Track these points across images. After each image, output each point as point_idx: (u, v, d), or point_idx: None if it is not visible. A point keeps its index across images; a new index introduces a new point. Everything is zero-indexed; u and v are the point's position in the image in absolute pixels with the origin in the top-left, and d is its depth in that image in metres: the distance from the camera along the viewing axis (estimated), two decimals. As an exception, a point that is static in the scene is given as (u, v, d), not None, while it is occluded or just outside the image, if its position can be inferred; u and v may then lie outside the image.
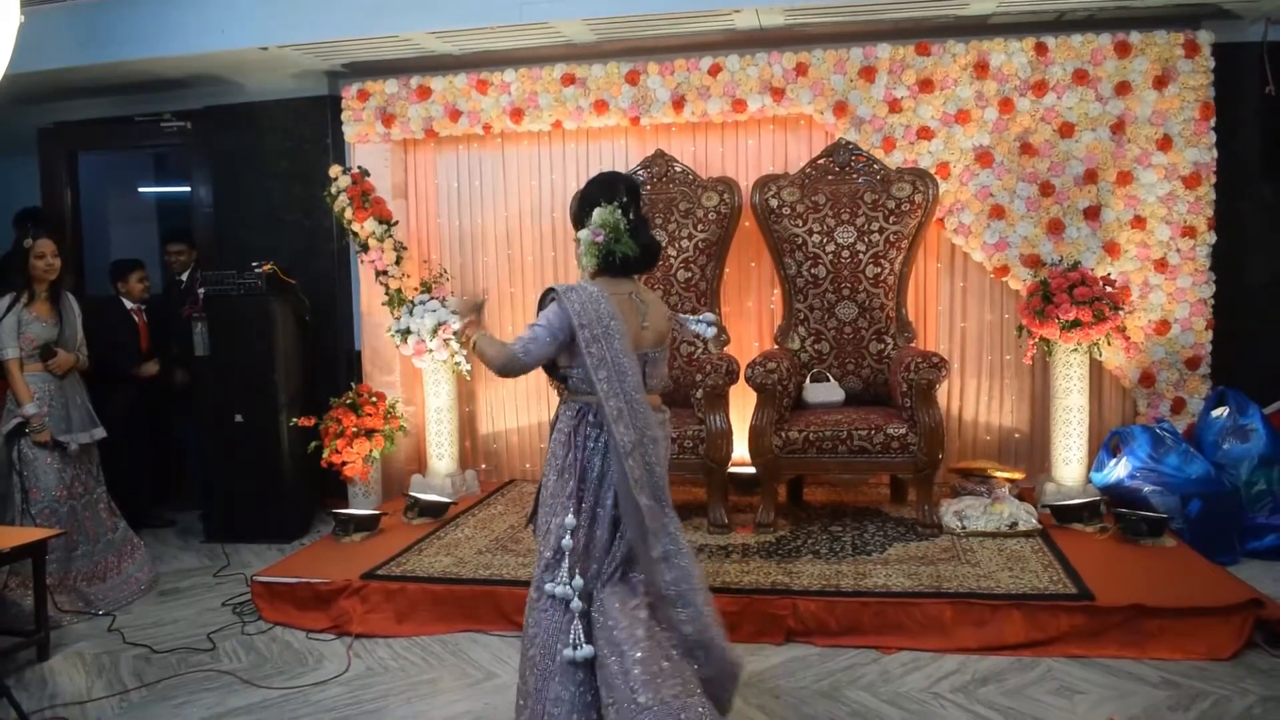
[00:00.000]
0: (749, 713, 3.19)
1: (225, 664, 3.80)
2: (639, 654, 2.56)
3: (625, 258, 2.82)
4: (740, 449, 4.81)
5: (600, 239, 2.80)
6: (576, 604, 2.68)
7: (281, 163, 5.93)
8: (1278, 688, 3.21)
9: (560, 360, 2.82)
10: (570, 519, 2.73)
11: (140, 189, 7.65)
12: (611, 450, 2.71)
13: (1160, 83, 4.90)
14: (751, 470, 4.82)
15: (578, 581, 2.69)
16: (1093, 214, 5.00)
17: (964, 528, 4.44)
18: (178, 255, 6.02)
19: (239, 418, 5.33)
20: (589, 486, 2.77)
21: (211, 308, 5.35)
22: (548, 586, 2.70)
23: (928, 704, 3.21)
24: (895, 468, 4.60)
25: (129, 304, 5.68)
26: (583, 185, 3.00)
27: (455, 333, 2.73)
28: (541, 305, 2.82)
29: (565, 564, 2.71)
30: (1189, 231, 4.93)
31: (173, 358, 5.73)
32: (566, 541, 2.71)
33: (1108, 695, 3.22)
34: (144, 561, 4.77)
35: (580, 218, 2.92)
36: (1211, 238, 4.93)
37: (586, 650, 2.63)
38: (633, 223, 2.85)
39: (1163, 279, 4.97)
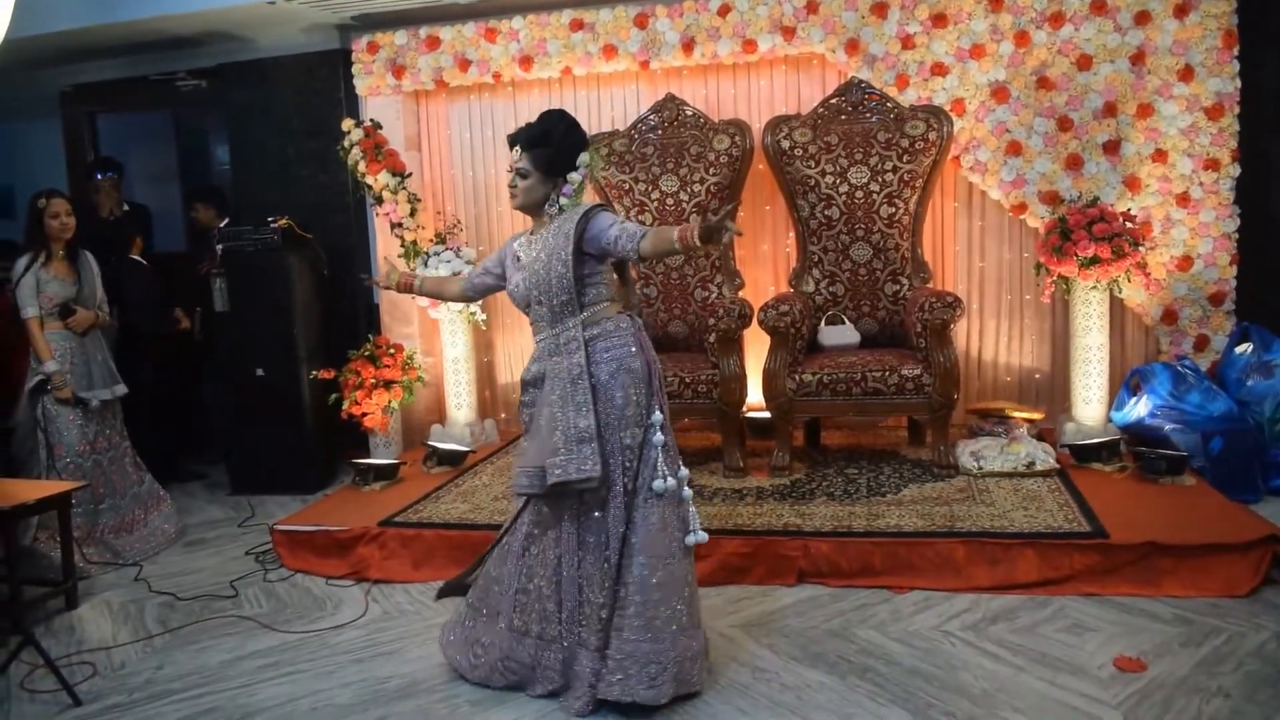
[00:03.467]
0: (757, 650, 3.21)
1: (246, 610, 3.88)
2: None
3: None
4: (755, 394, 4.80)
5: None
6: (688, 492, 2.95)
7: (295, 118, 5.93)
8: (1293, 622, 3.19)
9: (586, 268, 2.93)
10: (658, 414, 2.93)
11: (161, 148, 7.69)
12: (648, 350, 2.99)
13: (1181, 11, 4.75)
14: (767, 414, 4.81)
15: (683, 472, 2.94)
16: (1112, 148, 4.89)
17: (980, 468, 4.42)
18: (199, 211, 6.07)
19: (260, 372, 5.40)
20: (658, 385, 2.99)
21: (229, 264, 5.39)
22: (655, 484, 2.87)
23: (937, 642, 3.22)
24: (910, 409, 4.57)
25: (140, 260, 5.72)
26: (554, 121, 3.00)
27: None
28: (587, 216, 2.92)
29: (663, 460, 2.89)
30: (1212, 164, 4.81)
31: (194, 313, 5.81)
32: (658, 438, 2.90)
33: (1119, 632, 3.20)
34: (170, 514, 4.86)
35: (569, 157, 2.99)
36: (1235, 170, 4.81)
37: (702, 535, 2.94)
38: None
39: (1185, 214, 4.87)
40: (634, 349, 2.95)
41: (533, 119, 3.07)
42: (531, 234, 3.07)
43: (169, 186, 7.40)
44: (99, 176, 5.95)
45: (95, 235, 5.29)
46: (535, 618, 2.98)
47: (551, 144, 2.95)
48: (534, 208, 3.02)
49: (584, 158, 2.92)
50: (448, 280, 3.54)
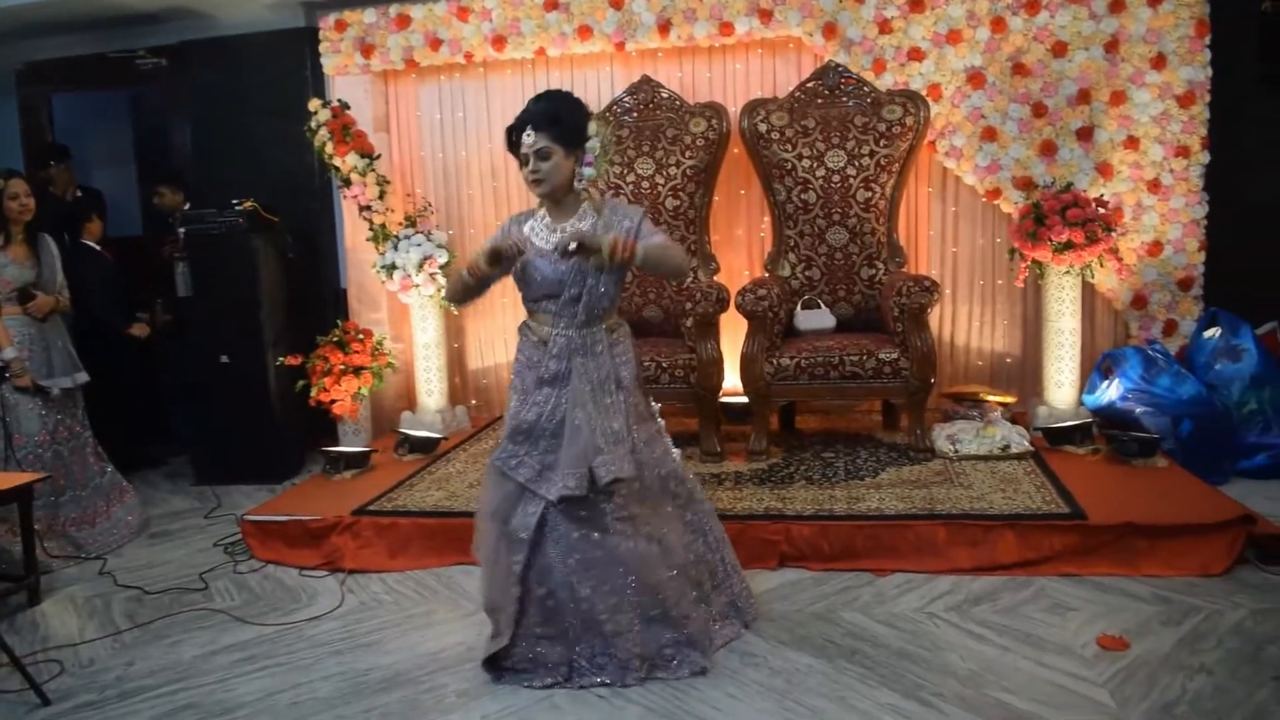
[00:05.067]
0: (743, 635, 3.19)
1: (218, 603, 3.79)
2: None
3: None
4: (731, 378, 4.78)
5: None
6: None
7: (260, 98, 5.79)
8: (1268, 601, 3.23)
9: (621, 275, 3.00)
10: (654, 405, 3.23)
11: (117, 128, 7.48)
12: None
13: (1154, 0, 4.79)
14: (742, 399, 4.81)
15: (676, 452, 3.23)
16: (1085, 135, 4.92)
17: (956, 451, 4.44)
18: (162, 196, 5.93)
19: (225, 359, 5.27)
20: None
21: (193, 248, 5.25)
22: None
23: (922, 624, 3.22)
24: (887, 393, 4.58)
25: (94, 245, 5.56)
26: (557, 96, 2.97)
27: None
28: (642, 222, 2.96)
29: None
30: (1182, 151, 4.87)
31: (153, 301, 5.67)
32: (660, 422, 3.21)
33: (1100, 612, 3.23)
34: (133, 505, 4.73)
35: (581, 127, 2.91)
36: (1205, 158, 4.86)
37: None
38: None
39: (1156, 200, 4.92)
40: (634, 350, 3.06)
41: (505, 101, 3.02)
42: (554, 222, 2.96)
43: (125, 169, 7.20)
44: (51, 165, 5.80)
45: (47, 215, 5.15)
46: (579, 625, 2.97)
47: (562, 118, 2.88)
48: (562, 189, 2.91)
49: (594, 126, 2.86)
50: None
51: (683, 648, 2.97)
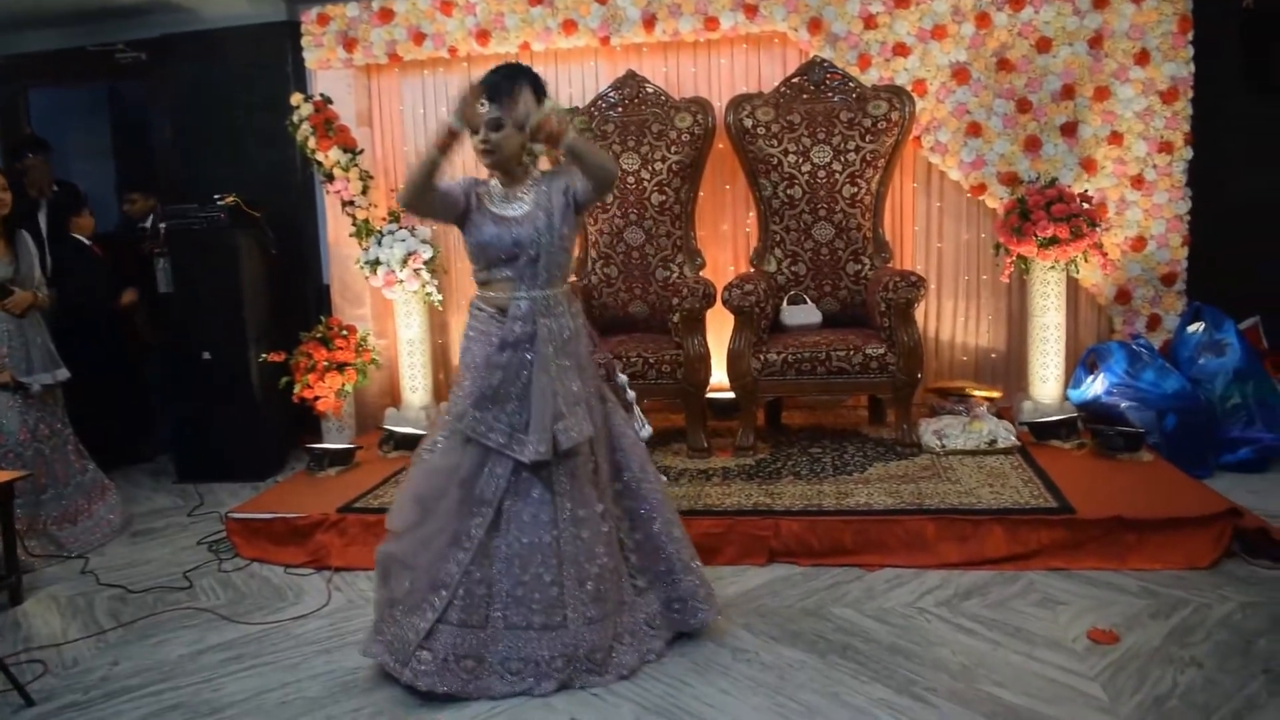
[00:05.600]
0: (734, 631, 3.18)
1: (203, 601, 3.75)
2: None
3: None
4: (717, 374, 4.77)
5: None
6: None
7: (241, 92, 5.74)
8: (1256, 594, 3.25)
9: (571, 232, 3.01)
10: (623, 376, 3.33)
11: (95, 123, 7.39)
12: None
13: (1138, -5, 4.82)
14: (728, 395, 4.80)
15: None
16: (1070, 130, 4.94)
17: (943, 446, 4.45)
18: (134, 203, 5.88)
19: (206, 355, 5.22)
20: None
21: (174, 243, 5.19)
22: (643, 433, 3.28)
23: (913, 619, 3.22)
24: (874, 388, 4.59)
25: (82, 239, 5.50)
26: (515, 69, 2.93)
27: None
28: (571, 175, 2.95)
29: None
30: (1166, 147, 4.89)
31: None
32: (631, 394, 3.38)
33: (1089, 605, 3.24)
34: (115, 503, 4.67)
35: (536, 103, 2.89)
36: (1188, 153, 4.89)
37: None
38: None
39: (1139, 195, 4.94)
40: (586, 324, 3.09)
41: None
42: (506, 190, 2.96)
43: (103, 164, 7.12)
44: (28, 156, 5.71)
45: (29, 212, 5.08)
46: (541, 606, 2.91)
47: (517, 95, 2.86)
48: (511, 160, 2.91)
49: (549, 103, 2.85)
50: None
51: (616, 648, 2.94)
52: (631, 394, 3.23)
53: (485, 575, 2.89)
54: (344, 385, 5.20)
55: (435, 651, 2.85)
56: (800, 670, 2.92)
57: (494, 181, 3.01)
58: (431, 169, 2.79)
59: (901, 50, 5.01)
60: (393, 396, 5.76)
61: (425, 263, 5.16)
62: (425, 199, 2.86)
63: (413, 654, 2.86)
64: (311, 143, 5.25)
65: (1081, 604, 3.26)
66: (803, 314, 4.89)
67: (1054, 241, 4.55)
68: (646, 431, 3.23)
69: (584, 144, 2.87)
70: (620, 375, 3.18)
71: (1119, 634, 3.01)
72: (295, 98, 5.27)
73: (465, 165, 5.06)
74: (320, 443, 5.12)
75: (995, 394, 4.98)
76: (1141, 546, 3.53)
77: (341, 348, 5.20)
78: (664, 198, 5.07)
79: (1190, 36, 4.81)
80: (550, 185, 2.95)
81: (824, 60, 5.02)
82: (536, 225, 2.89)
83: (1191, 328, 4.73)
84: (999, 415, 4.75)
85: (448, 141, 2.77)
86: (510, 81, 2.85)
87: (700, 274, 5.01)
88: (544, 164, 3.10)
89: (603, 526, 2.97)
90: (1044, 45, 4.91)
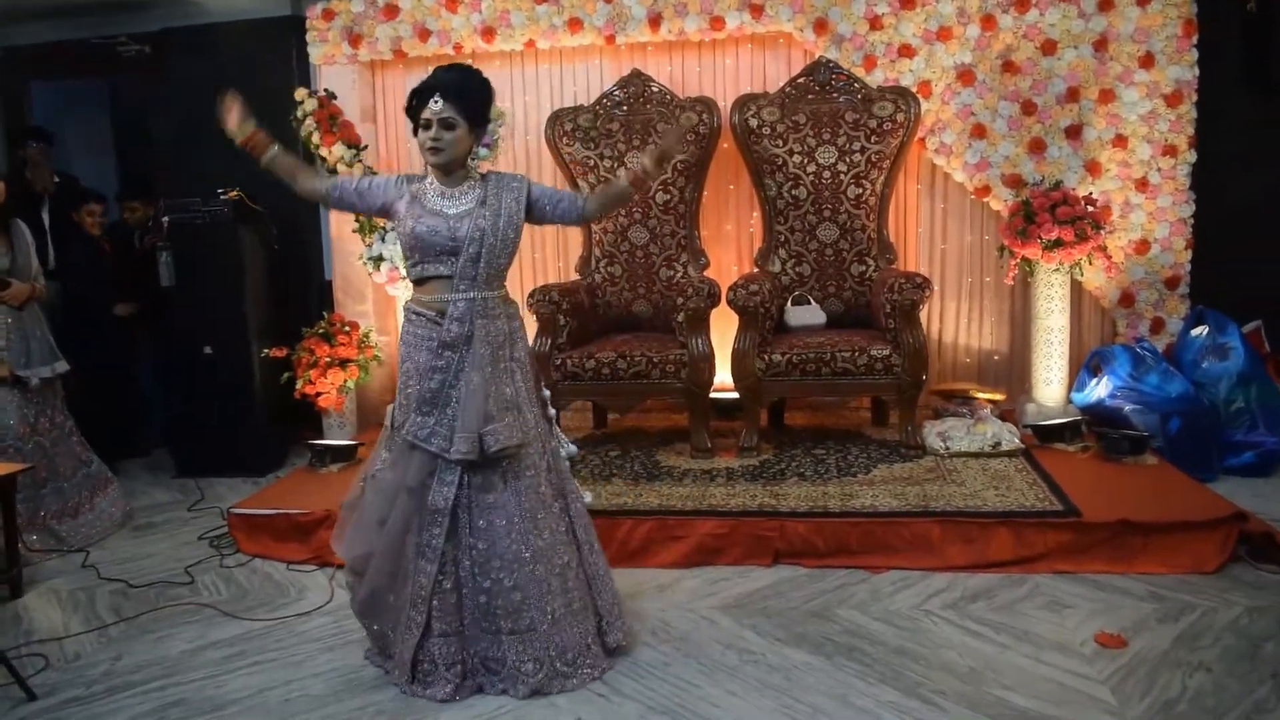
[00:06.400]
0: (739, 632, 3.18)
1: (205, 597, 3.73)
2: None
3: None
4: (721, 374, 4.76)
5: None
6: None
7: (244, 86, 5.58)
8: (1262, 598, 3.25)
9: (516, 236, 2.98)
10: (546, 391, 3.18)
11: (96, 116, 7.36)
12: None
13: (1143, -1, 4.82)
14: (730, 395, 4.78)
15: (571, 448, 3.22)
16: (1074, 133, 4.94)
17: (948, 448, 4.44)
18: (134, 211, 5.86)
19: (208, 350, 5.20)
20: None
21: (176, 237, 5.17)
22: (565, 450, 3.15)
23: (920, 621, 3.22)
24: (879, 389, 4.58)
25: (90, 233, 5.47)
26: (467, 71, 2.93)
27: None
28: (527, 182, 3.00)
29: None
30: (1170, 150, 4.90)
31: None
32: (552, 411, 3.17)
33: (1097, 609, 3.24)
34: (116, 497, 4.66)
35: (486, 107, 2.93)
36: (1192, 157, 4.90)
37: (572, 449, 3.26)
38: None
39: (1143, 198, 4.95)
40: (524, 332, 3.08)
41: (495, 93, 2.97)
42: (444, 188, 2.90)
43: (104, 157, 7.08)
44: (30, 145, 5.67)
45: (32, 206, 5.07)
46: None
47: (470, 93, 2.85)
48: (458, 162, 2.89)
49: (495, 110, 2.86)
50: (309, 171, 3.14)
51: (587, 645, 2.94)
52: (553, 411, 3.16)
53: (454, 582, 2.88)
54: (346, 381, 5.18)
55: (427, 661, 2.88)
56: (807, 672, 2.91)
57: (429, 178, 2.95)
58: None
59: (907, 52, 5.00)
60: (393, 393, 5.71)
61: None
62: (311, 196, 3.03)
63: (409, 669, 2.90)
64: (315, 138, 5.23)
65: (1088, 607, 3.26)
66: (807, 314, 4.89)
67: (1058, 244, 4.55)
68: (570, 449, 3.16)
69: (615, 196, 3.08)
70: (544, 390, 3.13)
71: (1127, 638, 3.01)
72: (299, 93, 5.25)
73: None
74: (320, 439, 5.10)
75: (998, 396, 4.98)
76: (1147, 550, 3.53)
77: (344, 344, 5.18)
78: (668, 197, 5.06)
79: (1195, 40, 4.82)
80: (499, 186, 2.92)
81: (829, 61, 5.01)
82: (479, 224, 2.85)
83: (1195, 331, 4.74)
84: (1001, 418, 4.75)
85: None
86: (465, 81, 2.85)
87: (704, 274, 5.00)
88: (484, 166, 3.08)
89: (559, 526, 2.97)
90: (1049, 48, 4.91)
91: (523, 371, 2.99)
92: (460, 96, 2.81)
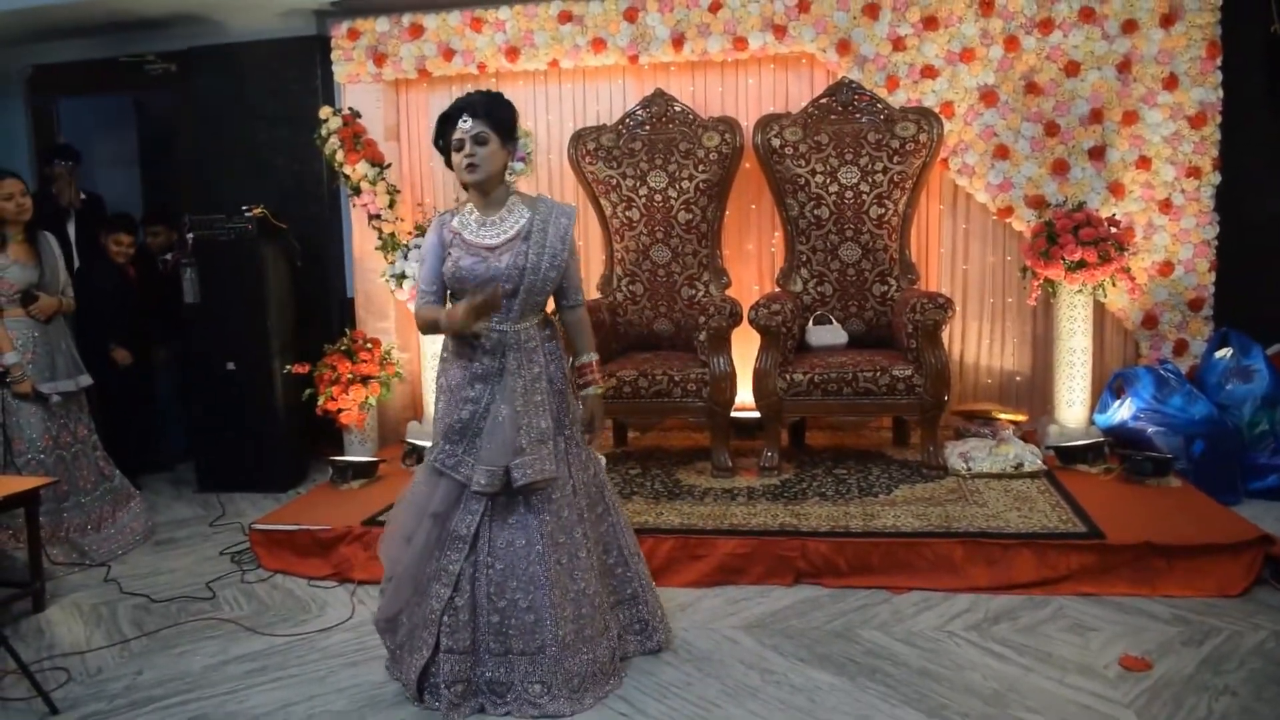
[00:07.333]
0: (761, 652, 3.17)
1: (226, 612, 3.74)
2: None
3: None
4: (742, 393, 4.76)
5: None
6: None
7: (269, 105, 5.77)
8: (1289, 623, 3.22)
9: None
10: None
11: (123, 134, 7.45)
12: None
13: (1167, 21, 4.80)
14: (752, 414, 4.78)
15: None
16: (1097, 154, 4.93)
17: (970, 469, 4.42)
18: (156, 235, 5.92)
19: (231, 365, 5.24)
20: None
21: (200, 253, 5.22)
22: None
23: (942, 642, 3.20)
24: (901, 409, 4.57)
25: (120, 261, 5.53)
26: (489, 92, 2.97)
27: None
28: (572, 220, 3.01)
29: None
30: (1194, 172, 4.88)
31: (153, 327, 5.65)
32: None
33: (1121, 632, 3.21)
34: (139, 511, 4.68)
35: (514, 124, 2.95)
36: (1216, 178, 4.87)
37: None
38: None
39: (1167, 220, 4.93)
40: (562, 348, 3.06)
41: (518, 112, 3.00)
42: (483, 214, 2.92)
43: (129, 173, 7.16)
44: (57, 164, 5.75)
45: (58, 221, 5.13)
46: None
47: (496, 109, 2.89)
48: (494, 178, 2.89)
49: (522, 127, 2.89)
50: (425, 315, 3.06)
51: (593, 673, 2.92)
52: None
53: (466, 601, 2.88)
54: (367, 398, 5.21)
55: (438, 680, 2.88)
56: (830, 693, 2.89)
57: (468, 207, 2.97)
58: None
59: (930, 72, 5.01)
60: (415, 410, 5.77)
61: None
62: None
63: (419, 687, 2.91)
64: (339, 156, 5.28)
65: (1112, 630, 3.23)
66: (829, 334, 4.88)
67: (1082, 265, 4.53)
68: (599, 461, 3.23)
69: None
70: (578, 407, 3.17)
71: (1151, 661, 2.98)
72: (324, 111, 5.31)
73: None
74: (341, 455, 5.12)
75: (1020, 417, 4.95)
76: (1172, 573, 3.50)
77: (365, 360, 5.21)
78: (690, 216, 5.07)
79: (1219, 62, 4.80)
80: (547, 218, 2.93)
81: (852, 81, 5.03)
82: (519, 261, 2.86)
83: (1219, 353, 4.71)
84: (1023, 439, 4.73)
85: (462, 331, 2.85)
86: (490, 99, 2.89)
87: (726, 293, 5.01)
88: (520, 183, 3.09)
89: (580, 552, 2.96)
90: (1072, 69, 4.91)
91: (560, 399, 2.99)
92: (489, 112, 2.84)
